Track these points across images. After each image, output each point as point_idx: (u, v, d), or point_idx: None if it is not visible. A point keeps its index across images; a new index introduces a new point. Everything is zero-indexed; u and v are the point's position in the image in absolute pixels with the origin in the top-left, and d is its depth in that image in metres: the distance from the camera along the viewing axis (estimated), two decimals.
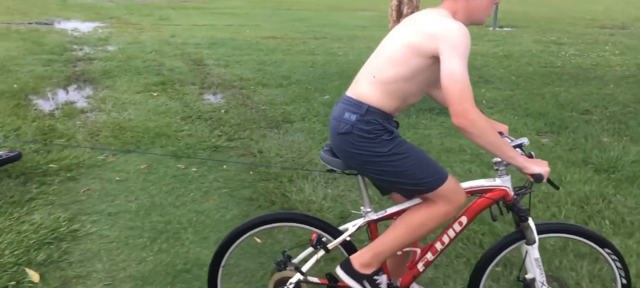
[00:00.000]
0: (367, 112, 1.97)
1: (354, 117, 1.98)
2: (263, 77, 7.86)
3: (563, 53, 9.96)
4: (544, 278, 2.17)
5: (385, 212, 2.21)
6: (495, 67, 8.80)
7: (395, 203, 2.25)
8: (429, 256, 2.19)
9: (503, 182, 2.12)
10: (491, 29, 13.88)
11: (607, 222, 3.58)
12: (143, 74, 7.82)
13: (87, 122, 5.48)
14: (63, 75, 7.67)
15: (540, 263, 2.18)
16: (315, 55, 9.77)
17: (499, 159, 2.08)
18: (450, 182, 2.03)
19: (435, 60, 1.89)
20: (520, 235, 2.16)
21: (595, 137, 5.40)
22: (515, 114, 6.18)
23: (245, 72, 8.15)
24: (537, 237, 2.15)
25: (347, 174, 2.15)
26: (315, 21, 15.37)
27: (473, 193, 2.13)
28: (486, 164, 4.63)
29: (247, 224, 2.24)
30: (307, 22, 15.26)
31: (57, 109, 5.97)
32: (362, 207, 2.22)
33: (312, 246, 2.22)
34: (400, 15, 6.24)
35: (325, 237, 2.23)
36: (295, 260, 2.29)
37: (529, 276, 2.20)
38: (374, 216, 2.21)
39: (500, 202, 2.14)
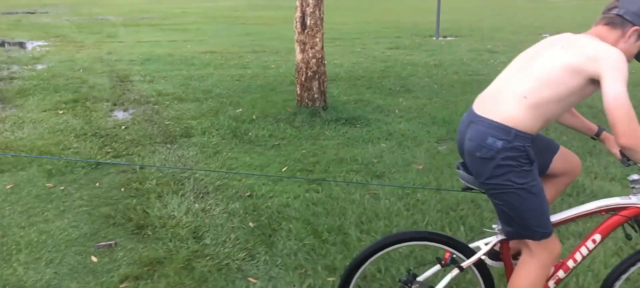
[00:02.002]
0: (515, 137, 1.94)
1: (500, 144, 1.95)
2: (183, 91, 7.78)
3: (492, 61, 10.06)
4: None
5: None
6: (421, 77, 8.84)
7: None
8: (561, 274, 2.19)
9: (638, 200, 2.10)
10: (434, 38, 14.00)
11: (462, 228, 3.57)
12: (60, 92, 7.67)
13: None
14: None
15: None
16: (246, 69, 9.72)
17: (637, 177, 2.09)
18: (553, 235, 2.07)
19: (589, 82, 1.90)
20: None
21: None
22: (422, 122, 6.19)
23: (167, 88, 8.05)
24: None
25: (484, 193, 2.11)
26: (263, 35, 15.34)
27: (607, 210, 2.12)
28: (372, 173, 4.59)
29: (378, 244, 2.18)
30: (255, 36, 15.23)
31: None
32: (494, 225, 2.19)
33: (441, 265, 2.19)
34: (304, 27, 6.22)
35: (457, 255, 2.19)
36: (420, 278, 2.24)
37: None
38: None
39: (634, 220, 2.12)
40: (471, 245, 2.22)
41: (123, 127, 5.89)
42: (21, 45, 13.86)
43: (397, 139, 5.56)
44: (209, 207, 3.88)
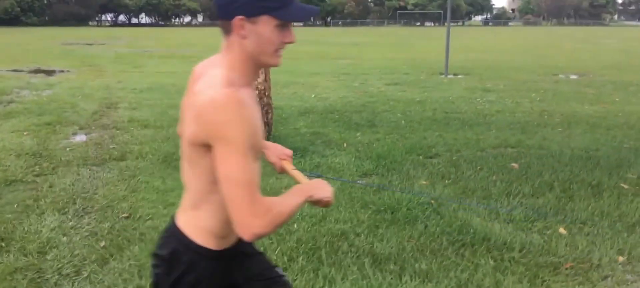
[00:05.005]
0: None
1: None
2: (156, 119, 8.10)
3: (479, 99, 9.85)
4: None
5: None
6: (395, 113, 8.79)
7: None
8: None
9: None
10: (442, 75, 13.87)
11: (301, 260, 3.56)
12: (43, 116, 8.19)
13: None
14: None
15: None
16: None
17: None
18: None
19: None
20: None
21: (414, 179, 5.34)
22: (359, 156, 6.17)
23: (143, 115, 8.42)
24: None
25: None
26: (280, 69, 15.66)
27: None
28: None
29: None
30: (273, 71, 15.57)
31: None
32: None
33: None
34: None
35: None
36: None
37: None
38: None
39: None
40: None
41: (68, 149, 6.22)
42: (49, 73, 14.84)
43: (320, 172, 5.58)
44: (79, 226, 4.05)
